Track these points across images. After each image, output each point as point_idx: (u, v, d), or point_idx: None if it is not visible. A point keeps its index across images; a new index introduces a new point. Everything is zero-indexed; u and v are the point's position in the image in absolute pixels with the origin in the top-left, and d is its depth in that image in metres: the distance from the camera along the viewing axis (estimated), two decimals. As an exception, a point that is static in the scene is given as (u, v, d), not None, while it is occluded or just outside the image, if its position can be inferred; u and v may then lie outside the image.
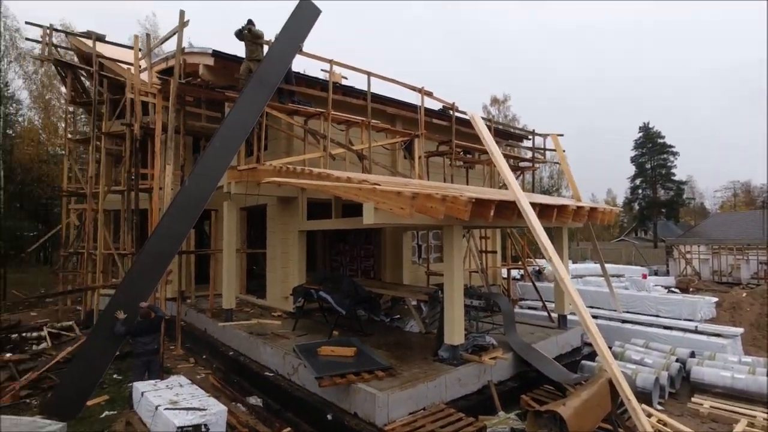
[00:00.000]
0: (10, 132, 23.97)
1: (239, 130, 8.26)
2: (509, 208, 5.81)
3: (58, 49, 14.03)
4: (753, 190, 55.98)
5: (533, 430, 4.95)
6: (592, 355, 8.08)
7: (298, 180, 6.96)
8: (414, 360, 6.44)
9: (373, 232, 12.14)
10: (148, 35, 10.69)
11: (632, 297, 12.43)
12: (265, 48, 9.20)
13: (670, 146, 42.39)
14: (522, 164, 15.71)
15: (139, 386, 5.72)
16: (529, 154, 16.18)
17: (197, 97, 10.48)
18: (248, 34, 9.05)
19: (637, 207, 45.01)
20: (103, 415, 6.25)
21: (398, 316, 9.08)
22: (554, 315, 9.32)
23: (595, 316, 10.39)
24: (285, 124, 9.76)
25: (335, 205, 9.47)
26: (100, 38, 12.05)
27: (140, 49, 9.74)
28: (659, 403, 6.98)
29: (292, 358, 6.54)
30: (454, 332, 6.14)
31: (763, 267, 21.44)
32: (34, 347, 9.24)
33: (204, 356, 8.98)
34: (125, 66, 10.87)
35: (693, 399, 7.08)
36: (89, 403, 6.40)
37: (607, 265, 10.48)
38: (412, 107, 11.95)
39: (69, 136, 14.02)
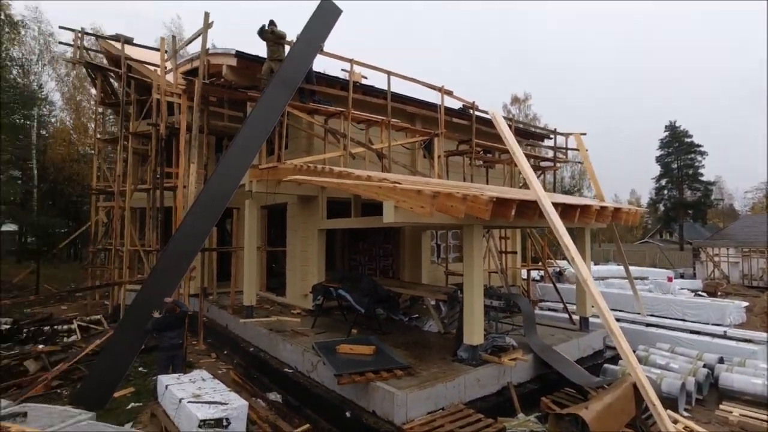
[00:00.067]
0: (44, 132, 24.91)
1: (261, 129, 8.38)
2: (531, 208, 5.74)
3: (89, 52, 14.50)
4: (786, 191, 53.73)
5: (554, 433, 4.87)
6: (615, 359, 7.92)
7: (318, 178, 7.01)
8: (433, 360, 6.42)
9: (392, 231, 12.15)
10: (173, 37, 10.95)
11: (657, 300, 12.11)
12: (287, 48, 9.31)
13: (698, 145, 41.08)
14: (543, 164, 15.48)
15: (163, 379, 5.88)
16: (550, 154, 15.94)
17: (220, 97, 10.68)
18: (270, 34, 9.17)
19: (662, 208, 43.76)
20: (129, 407, 6.44)
21: (417, 315, 9.07)
22: (575, 317, 9.16)
23: (617, 319, 10.14)
24: (305, 124, 9.86)
25: (355, 204, 9.52)
26: (128, 41, 12.41)
27: (166, 51, 9.98)
28: (685, 410, 6.78)
29: (311, 356, 6.61)
30: (474, 332, 6.10)
31: (797, 271, 20.57)
32: (65, 339, 9.59)
33: (225, 352, 9.15)
34: (152, 68, 11.16)
35: (721, 406, 6.86)
36: (116, 394, 6.61)
37: (630, 268, 10.24)
38: (431, 106, 11.91)
39: (98, 136, 14.49)
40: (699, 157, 41.01)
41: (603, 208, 7.09)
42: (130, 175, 11.65)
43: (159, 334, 6.65)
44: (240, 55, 9.54)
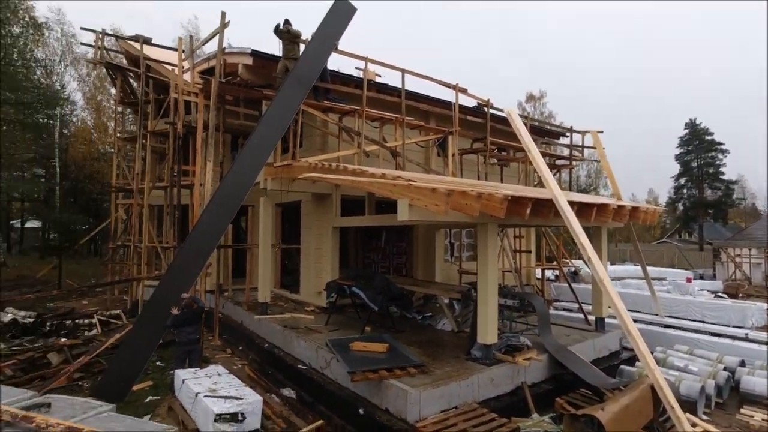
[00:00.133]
0: (66, 132, 25.54)
1: (276, 127, 8.45)
2: (546, 206, 5.68)
3: (109, 52, 14.81)
4: (813, 191, 52.13)
5: (569, 434, 4.83)
6: (632, 360, 7.79)
7: (332, 176, 7.05)
8: (446, 358, 6.41)
9: (406, 229, 12.15)
10: (191, 37, 11.11)
11: (675, 301, 11.86)
12: (302, 47, 9.36)
13: (719, 143, 40.11)
14: (559, 162, 15.29)
15: (180, 374, 5.98)
16: (566, 152, 15.74)
17: (236, 96, 10.80)
18: (286, 33, 9.23)
19: (681, 207, 42.87)
20: (147, 400, 6.57)
21: (430, 314, 9.05)
22: (591, 317, 9.04)
23: (634, 320, 9.98)
24: (320, 122, 9.91)
25: (369, 201, 9.54)
26: (147, 41, 12.63)
27: (183, 51, 10.13)
28: (705, 413, 6.65)
29: (324, 352, 6.65)
30: (488, 331, 6.06)
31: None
32: (86, 333, 9.84)
33: (240, 347, 9.27)
34: (169, 67, 11.34)
35: (742, 410, 6.70)
36: (135, 387, 6.74)
37: (648, 268, 10.06)
38: (446, 104, 11.85)
39: (118, 134, 14.80)
40: (720, 156, 40.07)
41: (620, 207, 6.97)
42: (148, 173, 11.87)
43: (177, 329, 6.78)
44: (255, 54, 9.63)
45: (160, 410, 5.94)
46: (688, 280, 16.30)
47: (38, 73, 20.14)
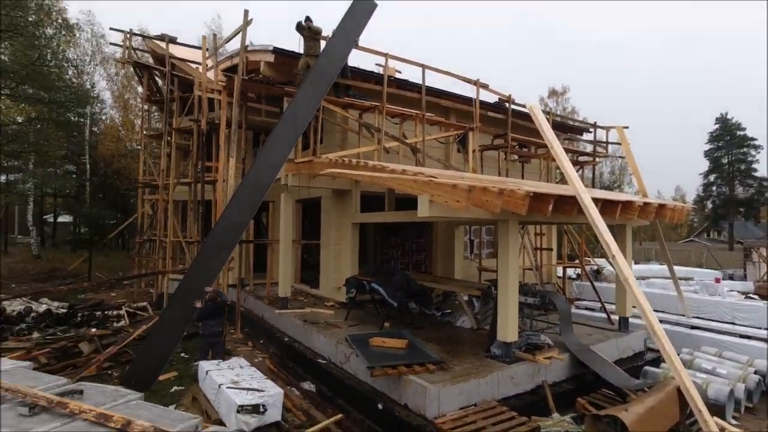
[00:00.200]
0: (95, 129, 26.36)
1: (297, 124, 8.54)
2: (569, 203, 5.58)
3: (136, 51, 15.21)
4: None
5: (591, 435, 4.75)
6: (657, 361, 7.61)
7: (353, 172, 7.08)
8: (465, 355, 6.39)
9: (425, 226, 12.13)
10: (214, 35, 11.31)
11: (703, 302, 11.50)
12: (323, 43, 9.41)
13: (752, 139, 38.55)
14: (582, 158, 14.98)
15: (204, 365, 6.14)
16: (589, 148, 15.39)
17: (258, 93, 10.94)
18: (307, 30, 9.31)
19: (710, 205, 41.46)
20: (173, 390, 6.76)
21: (449, 310, 9.02)
22: (614, 317, 8.85)
23: (659, 321, 9.74)
24: (340, 118, 9.96)
25: (388, 198, 9.56)
26: (172, 40, 12.90)
27: (207, 49, 10.31)
28: (734, 418, 6.45)
29: (344, 347, 6.72)
30: (508, 329, 6.01)
31: None
32: (115, 324, 10.17)
33: (261, 341, 9.43)
34: (194, 65, 11.57)
35: (774, 415, 6.48)
36: (160, 378, 6.95)
37: (674, 267, 9.78)
38: (466, 100, 11.75)
39: (144, 132, 15.20)
40: (753, 152, 38.52)
41: (646, 204, 6.80)
42: (173, 170, 12.16)
43: (201, 322, 6.95)
44: (277, 52, 9.73)
45: (184, 400, 6.11)
46: (717, 280, 15.75)
47: (70, 72, 20.84)
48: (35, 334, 9.14)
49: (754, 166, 38.54)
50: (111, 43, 17.49)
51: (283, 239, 9.34)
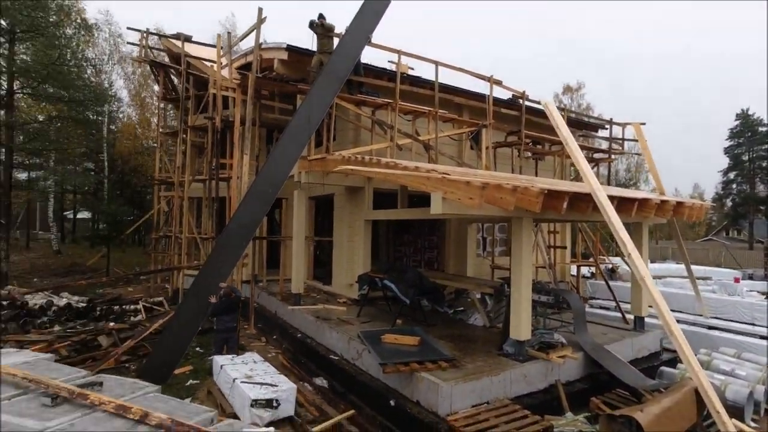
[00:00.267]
0: (113, 127, 26.88)
1: (310, 121, 8.57)
2: (584, 201, 5.51)
3: (152, 50, 15.44)
4: None
5: (605, 435, 4.71)
6: (673, 362, 7.48)
7: (366, 168, 7.09)
8: (478, 353, 6.37)
9: (438, 223, 12.09)
10: (228, 33, 11.40)
11: (721, 302, 11.25)
12: (336, 41, 9.43)
13: (775, 135, 37.51)
14: (597, 155, 14.76)
15: (218, 360, 6.23)
16: (604, 145, 15.16)
17: (271, 91, 11.02)
18: (320, 27, 9.33)
19: (729, 203, 40.51)
20: (188, 383, 6.89)
21: (462, 308, 9.00)
22: (629, 316, 8.73)
23: (676, 321, 9.57)
24: (353, 115, 9.97)
25: (401, 195, 9.55)
26: (188, 39, 13.07)
27: (221, 47, 10.41)
28: (753, 420, 6.31)
29: (356, 344, 6.75)
30: (521, 327, 5.98)
31: None
32: (132, 318, 10.39)
33: (274, 336, 9.53)
34: (208, 63, 11.70)
35: (795, 418, 6.32)
36: (176, 371, 7.08)
37: (692, 267, 9.59)
38: (480, 97, 11.67)
39: (160, 130, 15.43)
40: (775, 148, 37.47)
41: (664, 202, 6.68)
42: (188, 167, 12.33)
43: (216, 317, 7.06)
44: (291, 49, 9.77)
45: (199, 393, 6.21)
46: (736, 280, 15.41)
47: (89, 71, 21.21)
48: (56, 327, 9.38)
49: (777, 163, 37.54)
50: (128, 43, 17.83)
51: (296, 236, 9.41)
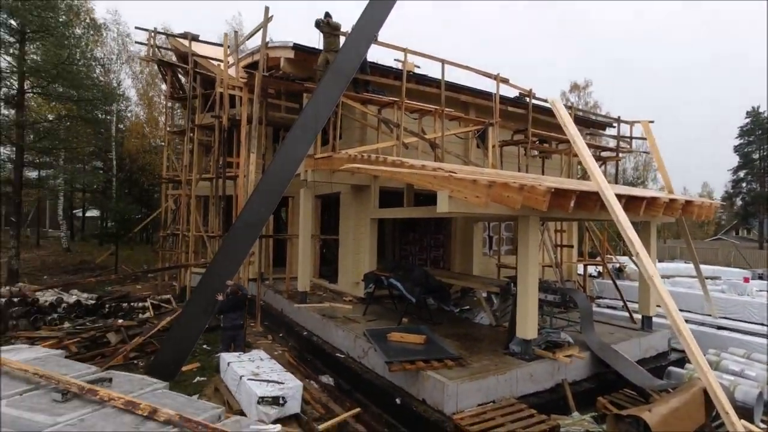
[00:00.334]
0: (121, 126, 27.10)
1: (316, 119, 8.58)
2: (591, 199, 5.48)
3: (160, 49, 15.53)
4: None
5: (612, 435, 4.69)
6: (681, 362, 7.42)
7: (372, 167, 7.09)
8: (484, 352, 6.36)
9: (444, 222, 12.08)
10: (236, 32, 11.46)
11: (730, 302, 11.13)
12: (342, 39, 9.43)
13: (787, 133, 37.01)
14: (604, 154, 14.66)
15: (225, 357, 6.27)
16: (612, 143, 15.05)
17: (278, 89, 11.05)
18: (326, 26, 9.34)
19: (739, 202, 40.05)
20: (195, 380, 6.94)
21: (468, 307, 8.99)
22: (636, 316, 8.67)
23: (685, 320, 9.49)
24: (359, 114, 9.98)
25: (407, 193, 9.55)
26: (195, 38, 13.12)
27: (228, 47, 10.45)
28: (762, 422, 6.24)
29: (362, 342, 6.77)
30: (527, 326, 5.96)
31: None
32: (140, 315, 10.48)
33: (281, 334, 9.58)
34: (216, 63, 11.75)
35: (806, 420, 6.24)
36: (184, 368, 7.13)
37: (701, 266, 9.49)
38: (486, 95, 11.62)
39: (168, 128, 15.54)
40: (787, 147, 36.98)
41: (672, 200, 6.62)
42: (195, 165, 12.41)
43: (223, 315, 7.11)
44: (297, 48, 9.79)
45: (206, 390, 6.26)
46: (746, 279, 15.24)
47: (97, 71, 21.41)
48: (66, 324, 9.49)
49: (788, 161, 37.07)
50: (136, 42, 17.97)
51: (302, 234, 9.43)
